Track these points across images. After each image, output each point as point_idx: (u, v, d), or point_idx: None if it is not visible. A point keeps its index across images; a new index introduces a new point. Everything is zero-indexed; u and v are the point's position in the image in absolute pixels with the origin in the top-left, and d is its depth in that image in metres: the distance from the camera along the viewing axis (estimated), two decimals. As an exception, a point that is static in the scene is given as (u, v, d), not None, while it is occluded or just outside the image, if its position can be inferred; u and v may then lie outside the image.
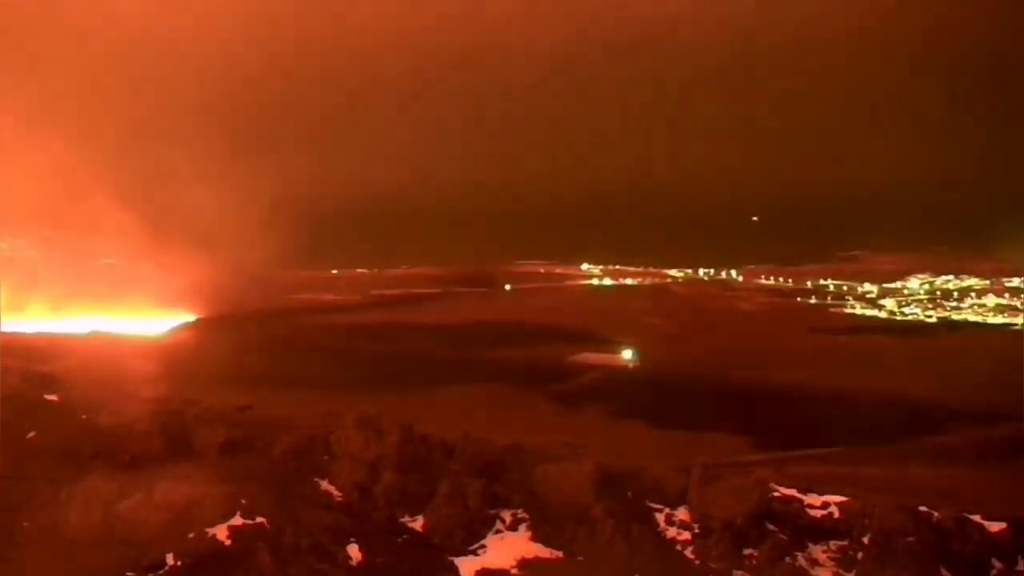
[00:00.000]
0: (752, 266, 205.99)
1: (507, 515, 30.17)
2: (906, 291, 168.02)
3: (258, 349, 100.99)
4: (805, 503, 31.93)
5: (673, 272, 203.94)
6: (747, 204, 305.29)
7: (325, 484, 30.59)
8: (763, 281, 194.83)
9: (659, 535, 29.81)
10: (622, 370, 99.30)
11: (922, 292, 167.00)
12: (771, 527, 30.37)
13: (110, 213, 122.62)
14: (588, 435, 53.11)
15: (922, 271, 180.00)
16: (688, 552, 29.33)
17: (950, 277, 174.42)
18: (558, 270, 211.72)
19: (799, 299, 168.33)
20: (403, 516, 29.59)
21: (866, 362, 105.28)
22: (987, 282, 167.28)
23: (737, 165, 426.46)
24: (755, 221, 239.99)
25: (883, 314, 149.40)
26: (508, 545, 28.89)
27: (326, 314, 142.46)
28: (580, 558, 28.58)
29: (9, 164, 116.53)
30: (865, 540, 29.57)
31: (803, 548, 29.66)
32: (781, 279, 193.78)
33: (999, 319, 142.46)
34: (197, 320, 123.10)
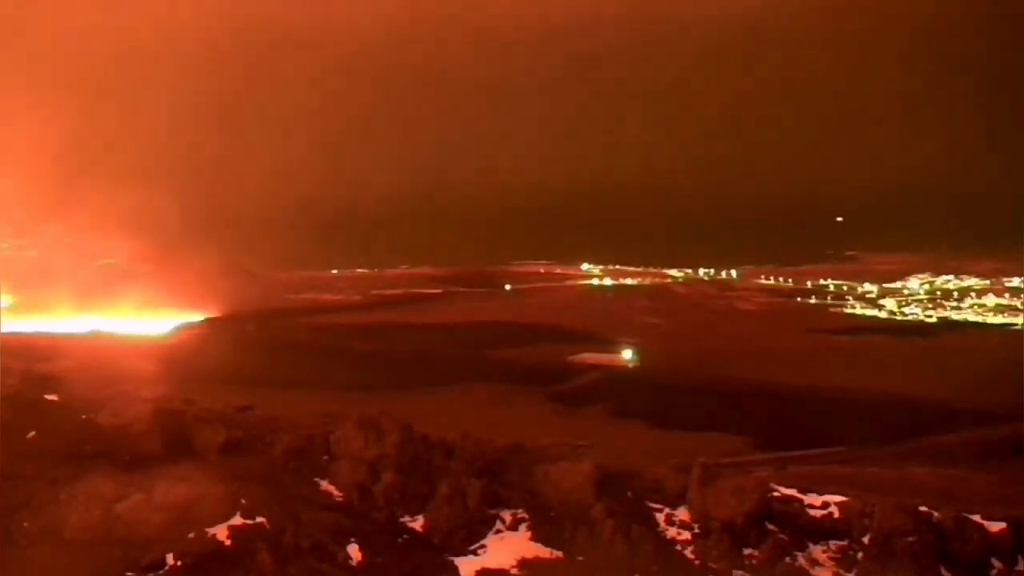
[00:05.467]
0: (752, 266, 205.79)
1: (507, 515, 30.20)
2: (906, 291, 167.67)
3: (258, 349, 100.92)
4: (805, 503, 31.96)
5: (673, 272, 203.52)
6: (747, 204, 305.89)
7: (325, 484, 30.61)
8: (763, 281, 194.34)
9: (659, 535, 29.84)
10: (622, 370, 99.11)
11: (922, 292, 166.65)
12: (771, 527, 30.41)
13: (110, 213, 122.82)
14: (588, 435, 53.05)
15: (922, 271, 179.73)
16: (688, 552, 29.37)
17: (950, 277, 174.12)
18: (558, 270, 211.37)
19: (799, 299, 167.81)
20: (403, 516, 29.61)
21: (866, 362, 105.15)
22: (987, 282, 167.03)
23: (737, 165, 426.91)
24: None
25: (883, 314, 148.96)
26: (508, 545, 28.91)
27: (327, 314, 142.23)
28: (580, 558, 28.60)
29: (10, 164, 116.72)
30: (865, 540, 29.62)
31: (803, 548, 29.70)
32: (781, 279, 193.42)
33: (999, 319, 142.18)
34: (197, 320, 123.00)
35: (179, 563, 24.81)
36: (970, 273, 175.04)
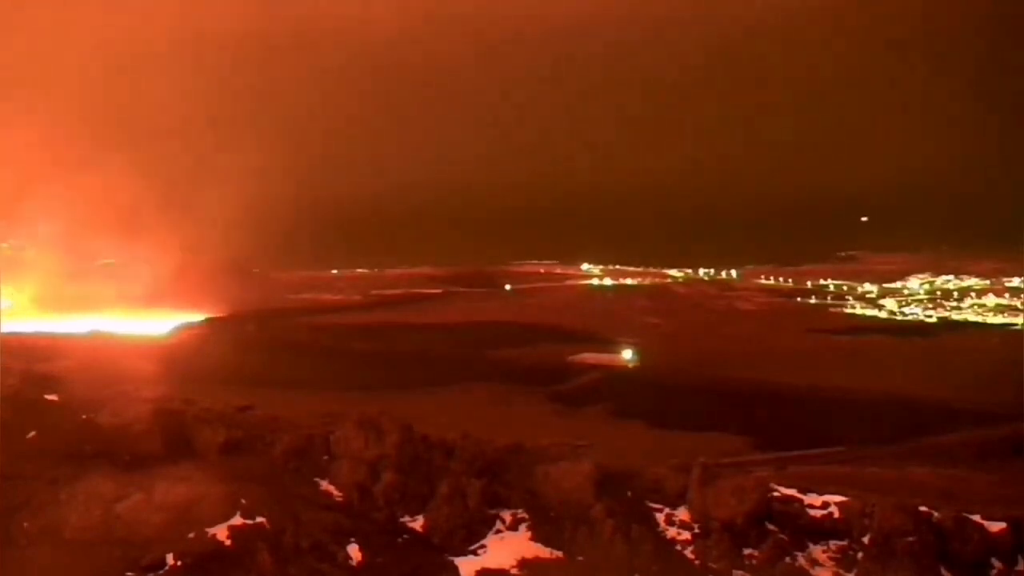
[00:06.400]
0: (752, 266, 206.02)
1: (507, 515, 30.20)
2: (906, 291, 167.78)
3: (258, 349, 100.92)
4: (805, 503, 31.97)
5: (673, 272, 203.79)
6: (747, 204, 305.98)
7: (325, 484, 30.62)
8: (763, 281, 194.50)
9: (659, 535, 29.85)
10: (622, 370, 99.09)
11: (922, 292, 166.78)
12: (771, 527, 30.42)
13: (110, 213, 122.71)
14: (588, 435, 53.04)
15: (922, 271, 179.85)
16: (688, 552, 29.37)
17: (950, 277, 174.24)
18: (558, 270, 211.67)
19: (799, 299, 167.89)
20: (403, 516, 29.62)
21: (866, 362, 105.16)
22: (987, 282, 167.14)
23: (737, 165, 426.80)
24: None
25: (883, 314, 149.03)
26: (508, 545, 28.92)
27: (327, 314, 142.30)
28: (580, 558, 28.60)
29: (10, 164, 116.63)
30: (865, 540, 29.63)
31: (803, 548, 29.71)
32: (781, 279, 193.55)
33: (999, 319, 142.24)
34: (197, 320, 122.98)
35: (179, 563, 24.82)
36: (970, 273, 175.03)
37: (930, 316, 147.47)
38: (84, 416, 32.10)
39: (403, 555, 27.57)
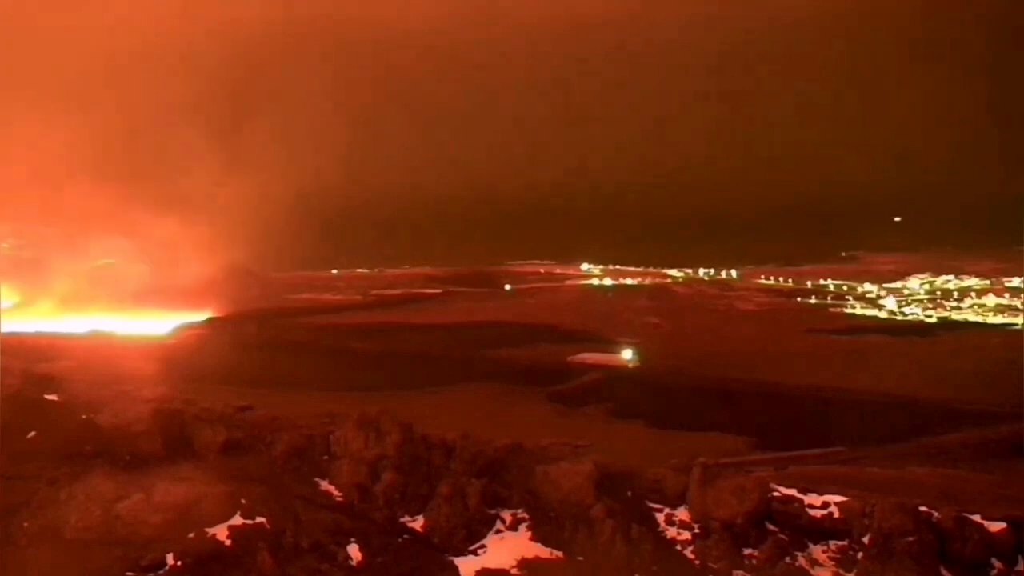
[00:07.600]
0: (752, 266, 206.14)
1: (507, 515, 30.21)
2: (906, 291, 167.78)
3: (258, 349, 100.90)
4: (805, 503, 31.97)
5: (673, 272, 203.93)
6: (747, 204, 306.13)
7: (325, 484, 30.63)
8: (763, 281, 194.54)
9: (659, 535, 29.85)
10: (622, 370, 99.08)
11: (922, 292, 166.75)
12: (771, 527, 30.42)
13: (111, 213, 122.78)
14: (588, 435, 53.00)
15: (922, 271, 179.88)
16: (688, 552, 29.38)
17: (950, 277, 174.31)
18: (558, 270, 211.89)
19: (799, 299, 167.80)
20: (403, 516, 29.63)
21: (866, 362, 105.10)
22: (987, 282, 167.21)
23: (738, 165, 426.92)
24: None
25: (883, 314, 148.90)
26: (508, 545, 28.92)
27: (327, 314, 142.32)
28: (580, 558, 28.60)
29: (11, 165, 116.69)
30: (865, 540, 29.63)
31: (803, 548, 29.71)
32: (781, 279, 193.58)
33: (999, 319, 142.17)
34: (197, 320, 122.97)
35: (179, 563, 24.82)
36: (970, 273, 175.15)
37: (930, 316, 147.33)
38: (84, 416, 32.10)
39: (403, 555, 27.57)
